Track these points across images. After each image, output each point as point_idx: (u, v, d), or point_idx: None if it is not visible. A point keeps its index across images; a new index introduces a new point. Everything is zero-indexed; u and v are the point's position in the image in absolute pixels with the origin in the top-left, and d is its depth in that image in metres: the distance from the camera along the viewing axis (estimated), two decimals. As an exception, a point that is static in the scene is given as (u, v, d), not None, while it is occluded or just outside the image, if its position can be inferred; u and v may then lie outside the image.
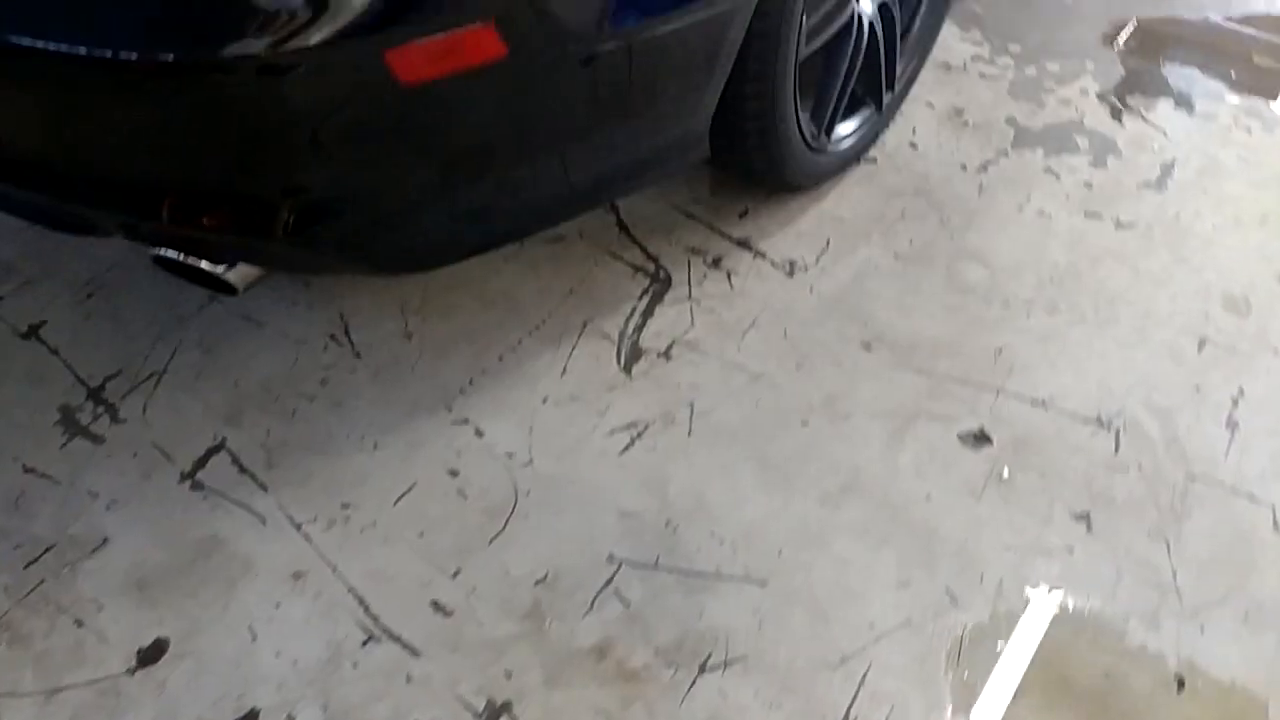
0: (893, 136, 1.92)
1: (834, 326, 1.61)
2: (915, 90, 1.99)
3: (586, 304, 1.63)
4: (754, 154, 1.55)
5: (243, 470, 1.41)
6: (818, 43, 1.54)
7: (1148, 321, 1.64)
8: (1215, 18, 2.23)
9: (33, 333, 1.56)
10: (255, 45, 0.96)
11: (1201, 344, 1.61)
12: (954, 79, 2.06)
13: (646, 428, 1.47)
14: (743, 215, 1.77)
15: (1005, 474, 1.44)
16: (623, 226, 1.74)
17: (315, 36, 0.97)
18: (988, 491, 1.42)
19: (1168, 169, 1.89)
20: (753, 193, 1.79)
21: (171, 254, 1.15)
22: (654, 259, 1.70)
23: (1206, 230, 1.78)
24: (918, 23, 1.86)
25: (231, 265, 1.18)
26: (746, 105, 1.44)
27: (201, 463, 1.42)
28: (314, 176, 1.10)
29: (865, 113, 1.80)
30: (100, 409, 1.47)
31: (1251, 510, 1.41)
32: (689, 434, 1.47)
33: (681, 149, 1.43)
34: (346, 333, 1.58)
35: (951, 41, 2.15)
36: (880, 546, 1.35)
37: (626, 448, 1.45)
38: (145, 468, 1.41)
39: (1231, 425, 1.51)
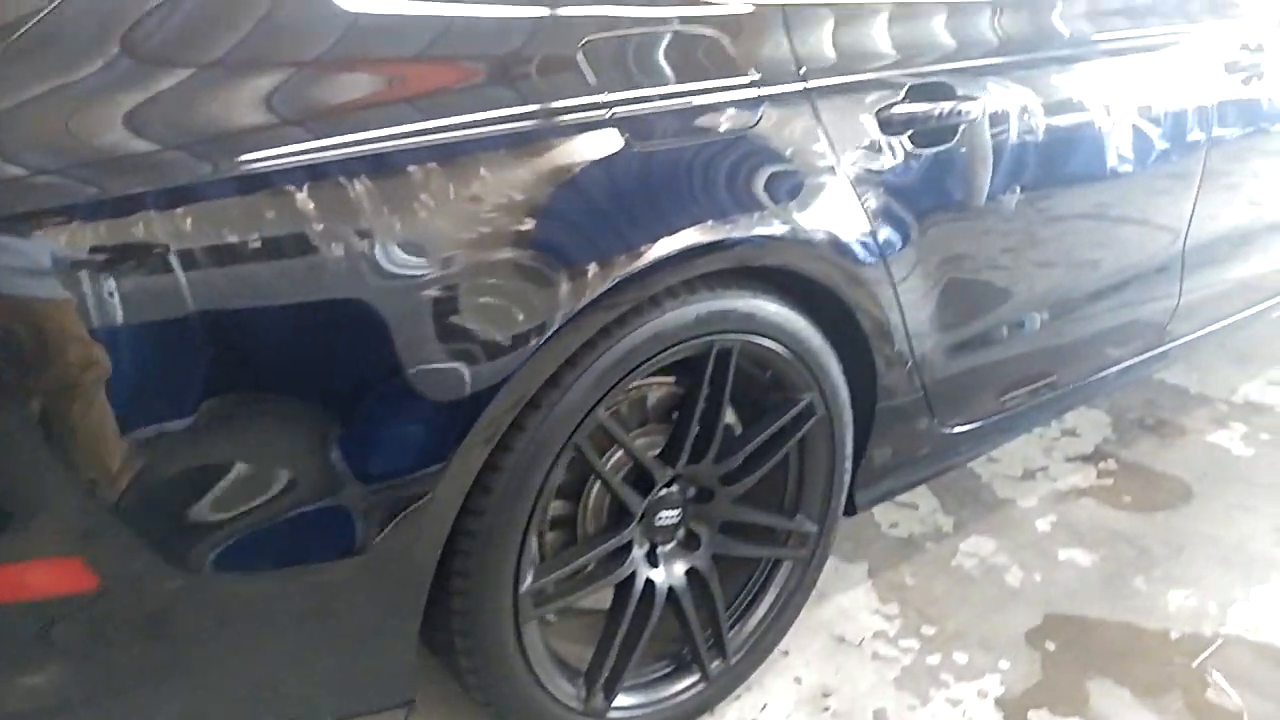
0: (736, 708, 1.75)
1: None
2: (792, 658, 1.85)
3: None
4: (486, 707, 1.45)
5: None
6: (571, 598, 1.48)
7: None
8: (1176, 634, 1.96)
9: None
10: None
11: None
12: (841, 654, 1.89)
13: None
14: (528, 770, 1.62)
15: None
16: (400, 757, 1.64)
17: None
18: None
19: (1043, 814, 1.57)
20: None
21: None
22: (404, 802, 1.56)
23: None
24: (770, 592, 1.76)
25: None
26: (458, 660, 1.38)
27: None
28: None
29: (687, 680, 1.67)
30: None
31: None
32: None
33: (383, 688, 1.35)
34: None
35: (860, 611, 2.01)
36: None
37: None
38: None
39: None
